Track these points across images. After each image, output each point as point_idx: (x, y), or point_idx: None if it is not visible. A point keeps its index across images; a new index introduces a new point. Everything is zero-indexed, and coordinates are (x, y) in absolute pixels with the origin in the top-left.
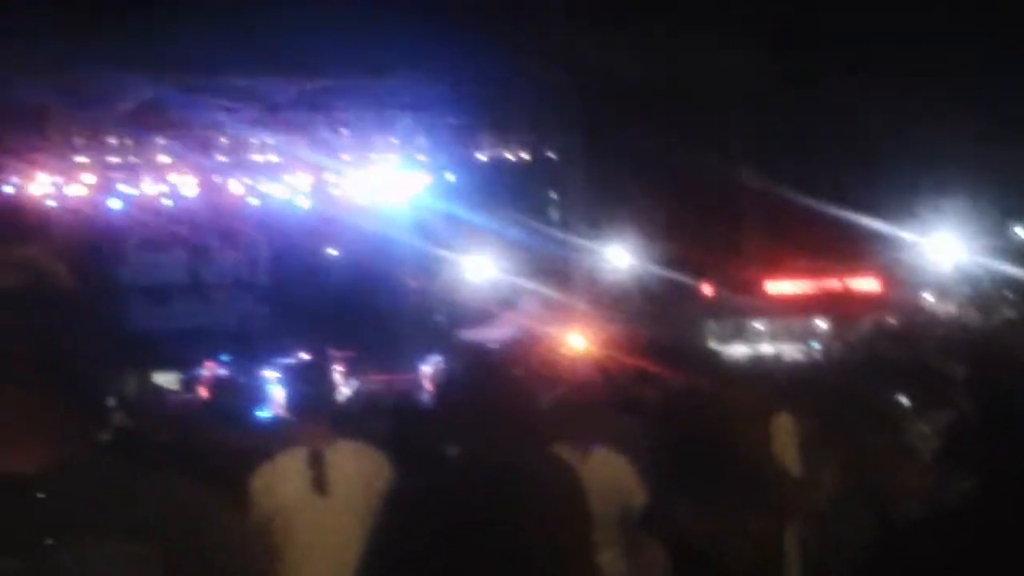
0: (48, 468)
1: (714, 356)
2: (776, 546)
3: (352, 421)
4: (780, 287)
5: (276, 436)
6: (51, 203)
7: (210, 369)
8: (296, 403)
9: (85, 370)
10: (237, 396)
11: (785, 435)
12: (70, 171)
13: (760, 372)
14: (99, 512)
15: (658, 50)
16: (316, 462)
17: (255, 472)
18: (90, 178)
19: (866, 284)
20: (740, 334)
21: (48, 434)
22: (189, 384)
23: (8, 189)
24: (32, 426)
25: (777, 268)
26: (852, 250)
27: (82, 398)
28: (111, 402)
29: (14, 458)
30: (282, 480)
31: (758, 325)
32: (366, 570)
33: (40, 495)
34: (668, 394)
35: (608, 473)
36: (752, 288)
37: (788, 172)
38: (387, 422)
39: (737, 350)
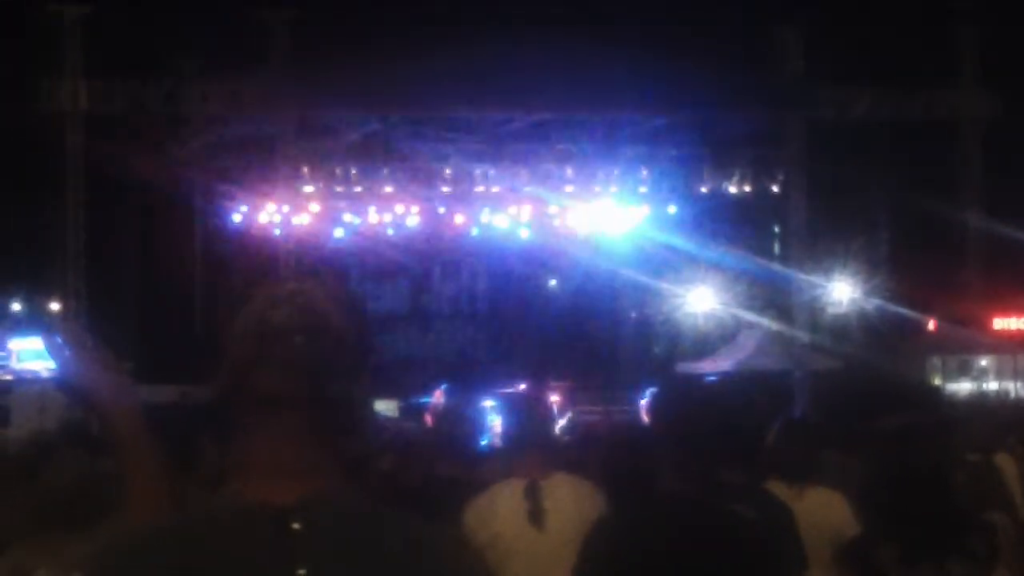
0: (305, 499)
1: (936, 393)
2: None
3: (567, 453)
4: (1007, 323)
5: (493, 467)
6: (277, 232)
7: (437, 398)
8: (514, 434)
9: (351, 402)
10: (462, 426)
11: (1006, 475)
12: (297, 201)
13: (984, 410)
14: (348, 545)
15: (886, 86)
16: (532, 494)
17: (471, 503)
18: (316, 207)
19: None
20: (965, 371)
21: (310, 464)
22: (408, 411)
23: (237, 218)
24: (296, 456)
25: (1004, 303)
26: None
27: (346, 430)
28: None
29: (275, 487)
30: (498, 511)
31: (983, 362)
32: None
33: (296, 525)
34: (886, 430)
35: (823, 511)
36: (978, 324)
37: (1016, 206)
38: (602, 454)
39: (961, 387)
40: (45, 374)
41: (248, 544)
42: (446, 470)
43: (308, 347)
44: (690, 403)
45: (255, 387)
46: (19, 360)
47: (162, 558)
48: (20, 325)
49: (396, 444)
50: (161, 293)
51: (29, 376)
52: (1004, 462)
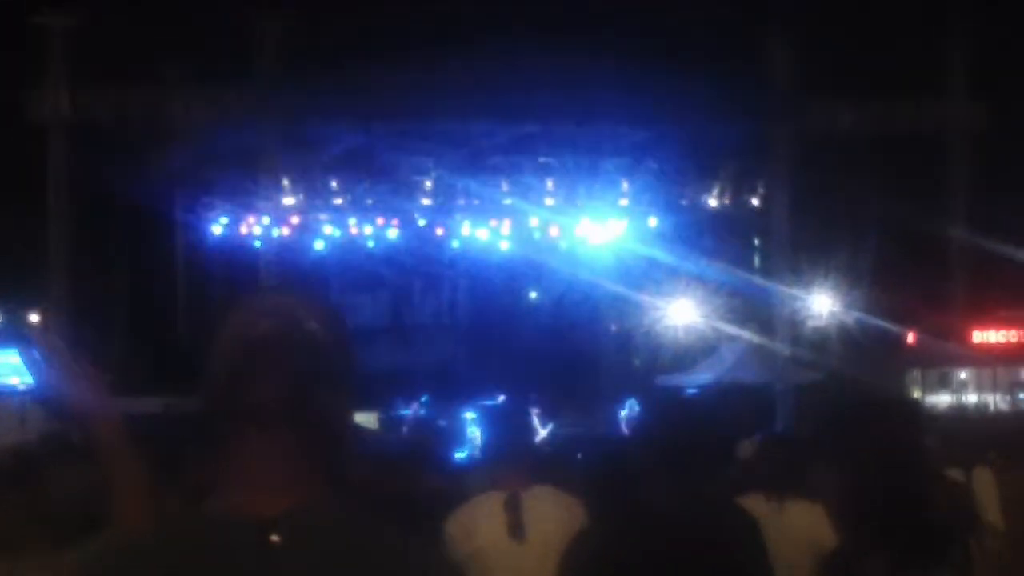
0: (286, 511)
1: (915, 406)
2: None
3: (547, 465)
4: (986, 336)
5: (472, 479)
6: (258, 244)
7: (415, 412)
8: (494, 446)
9: (334, 416)
10: (435, 439)
11: (986, 488)
12: (278, 213)
13: (964, 423)
14: (328, 559)
15: (871, 98)
16: (513, 506)
17: (452, 515)
18: (296, 219)
19: None
20: (944, 383)
21: (293, 478)
22: (389, 424)
23: (217, 230)
24: (279, 469)
25: (984, 316)
26: None
27: (329, 444)
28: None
29: (257, 500)
30: (479, 524)
31: (963, 374)
32: None
33: (275, 538)
34: (866, 443)
35: (804, 524)
36: (958, 336)
37: (996, 219)
38: (581, 467)
39: (941, 399)
40: (22, 388)
41: (228, 557)
42: (422, 482)
43: (290, 359)
44: (671, 417)
45: (238, 400)
46: None
47: (142, 570)
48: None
49: (374, 456)
50: (144, 304)
51: (7, 390)
52: (983, 475)
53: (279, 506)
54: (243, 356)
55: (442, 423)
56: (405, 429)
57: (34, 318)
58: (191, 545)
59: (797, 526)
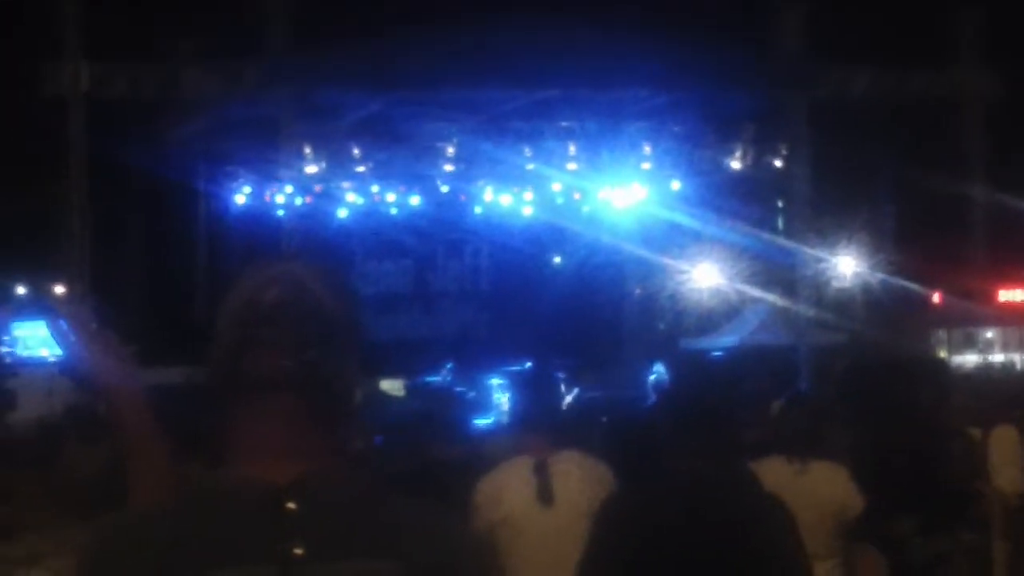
0: (299, 479)
1: (940, 366)
2: (988, 559)
3: (573, 430)
4: (1012, 295)
5: (499, 445)
6: (281, 213)
7: (442, 377)
8: (522, 412)
9: (342, 383)
10: (452, 406)
11: (1007, 446)
12: (300, 181)
13: (988, 382)
14: (344, 526)
15: (886, 64)
16: (541, 472)
17: (480, 481)
18: (319, 188)
19: None
20: (970, 343)
21: (304, 445)
22: (415, 392)
23: (240, 199)
24: (289, 437)
25: (1009, 276)
26: None
27: (338, 411)
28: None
29: (269, 468)
30: (507, 490)
31: (988, 334)
32: None
33: (291, 504)
34: (892, 404)
35: (826, 486)
36: (983, 296)
37: (1018, 181)
38: (607, 431)
39: (967, 359)
40: (50, 360)
41: (242, 523)
42: (443, 450)
43: (297, 327)
44: (698, 381)
45: (246, 368)
46: (24, 347)
47: (154, 538)
48: (24, 310)
49: (398, 424)
50: (165, 275)
51: (35, 362)
52: (1006, 433)
53: (290, 473)
54: (250, 323)
55: (462, 390)
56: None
57: (59, 290)
58: (202, 512)
59: (819, 488)
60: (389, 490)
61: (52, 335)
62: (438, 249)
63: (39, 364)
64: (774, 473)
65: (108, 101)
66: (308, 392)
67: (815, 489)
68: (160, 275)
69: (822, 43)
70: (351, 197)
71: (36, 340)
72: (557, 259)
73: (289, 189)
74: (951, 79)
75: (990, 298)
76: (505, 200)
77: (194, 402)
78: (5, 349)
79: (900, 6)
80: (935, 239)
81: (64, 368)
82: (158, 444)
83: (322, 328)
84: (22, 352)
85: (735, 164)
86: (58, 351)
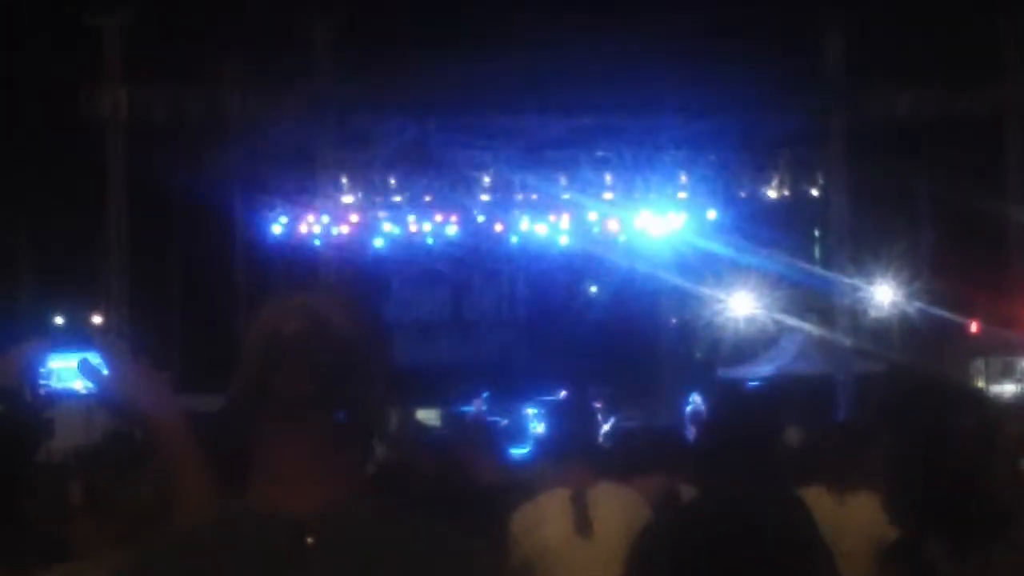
0: (319, 512)
1: (978, 395)
2: None
3: (610, 459)
4: None
5: (537, 475)
6: (318, 242)
7: (478, 408)
8: (559, 442)
9: (360, 414)
10: (489, 436)
11: None
12: (336, 211)
13: None
14: (364, 561)
15: (928, 84)
16: (579, 503)
17: (517, 512)
18: (355, 217)
19: None
20: (1008, 373)
21: (322, 477)
22: (450, 420)
23: (277, 229)
24: (308, 469)
25: None
26: None
27: (356, 442)
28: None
29: (292, 496)
30: (545, 521)
31: None
32: None
33: (310, 539)
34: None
35: (866, 515)
36: (1022, 325)
37: None
38: (643, 461)
39: (1005, 389)
40: (87, 391)
41: (260, 557)
42: (484, 478)
43: (319, 355)
44: (735, 412)
45: (268, 396)
46: (60, 380)
47: (172, 567)
48: (62, 341)
49: (435, 452)
50: (203, 303)
51: (72, 394)
52: None
53: (313, 505)
54: (272, 353)
55: (493, 420)
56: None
57: (97, 319)
58: (222, 543)
59: (858, 517)
60: (414, 523)
61: (83, 374)
62: (474, 278)
63: (76, 396)
64: (814, 502)
65: (148, 127)
66: (329, 420)
67: (855, 518)
68: (198, 302)
69: (862, 64)
70: (387, 227)
71: (73, 373)
72: (593, 288)
73: (326, 219)
74: (993, 96)
75: None
76: (541, 229)
77: (233, 429)
78: (42, 382)
79: (939, 25)
80: (973, 267)
81: (101, 400)
82: (200, 471)
83: (342, 357)
84: (58, 385)
85: (771, 192)
86: (90, 385)
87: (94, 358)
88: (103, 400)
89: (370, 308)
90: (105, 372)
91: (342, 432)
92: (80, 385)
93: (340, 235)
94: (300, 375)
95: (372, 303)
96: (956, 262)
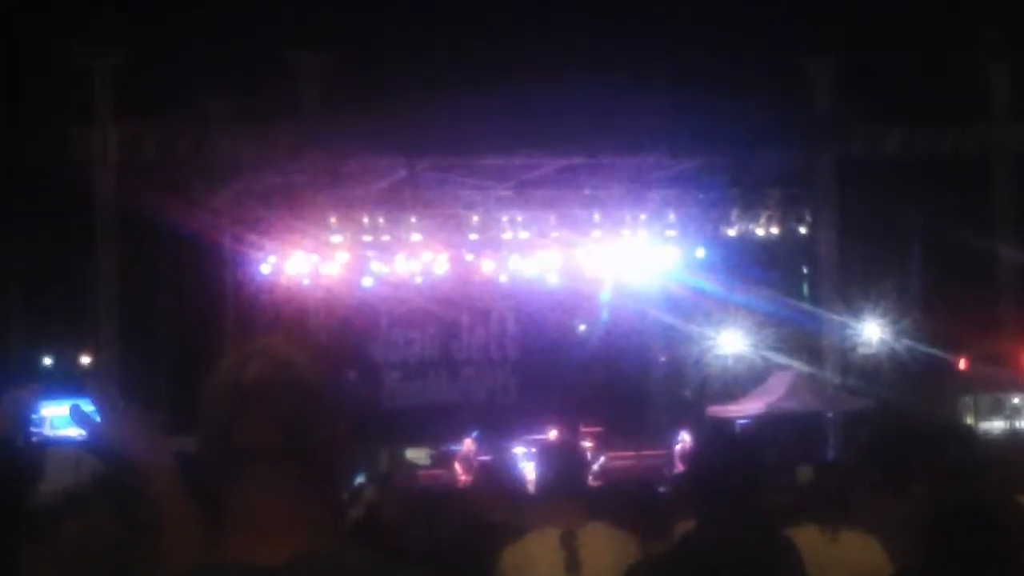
0: (292, 560)
1: (969, 432)
2: None
3: (598, 498)
4: None
5: (525, 514)
6: (306, 282)
7: (468, 447)
8: (547, 482)
9: (329, 459)
10: (499, 481)
11: None
12: (325, 250)
13: (1018, 449)
14: None
15: (916, 122)
16: (569, 543)
17: (506, 551)
18: (344, 256)
19: None
20: (997, 409)
21: (294, 524)
22: (439, 459)
23: (265, 269)
24: (278, 517)
25: None
26: None
27: (327, 488)
28: (362, 479)
29: (264, 546)
30: (534, 560)
31: (1016, 400)
32: None
33: None
34: (919, 471)
35: (857, 554)
36: (1010, 361)
37: None
38: (631, 500)
39: (994, 425)
40: (77, 438)
41: None
42: (490, 517)
43: (281, 400)
44: (726, 449)
45: (233, 443)
46: (52, 427)
47: None
48: (52, 385)
49: (431, 493)
50: (192, 342)
51: (61, 440)
52: None
53: (282, 553)
54: (234, 400)
55: (503, 465)
56: (457, 465)
57: (85, 360)
58: None
59: (851, 555)
60: (394, 564)
61: (74, 421)
62: (463, 317)
63: (66, 442)
64: (805, 541)
65: (138, 166)
66: (295, 464)
67: (847, 557)
68: (187, 342)
69: (850, 102)
70: (376, 266)
71: (63, 420)
72: (582, 327)
73: (314, 258)
74: (980, 135)
75: (1018, 364)
76: (529, 268)
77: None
78: (33, 429)
79: (927, 65)
80: (962, 303)
81: (90, 446)
82: (189, 513)
83: (305, 401)
84: (49, 432)
85: (760, 230)
86: (82, 432)
87: (86, 405)
88: (95, 447)
89: (338, 351)
90: (97, 419)
91: (311, 479)
92: (74, 432)
93: (329, 274)
94: (262, 422)
95: (343, 345)
96: (944, 299)
